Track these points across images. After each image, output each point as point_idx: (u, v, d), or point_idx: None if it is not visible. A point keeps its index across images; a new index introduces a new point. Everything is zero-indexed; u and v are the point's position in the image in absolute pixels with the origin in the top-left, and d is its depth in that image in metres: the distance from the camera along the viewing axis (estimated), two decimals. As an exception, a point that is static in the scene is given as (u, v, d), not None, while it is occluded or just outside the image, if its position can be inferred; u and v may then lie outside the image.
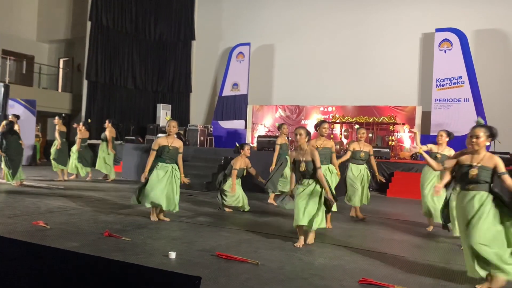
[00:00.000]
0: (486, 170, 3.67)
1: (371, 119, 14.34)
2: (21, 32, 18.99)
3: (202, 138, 14.95)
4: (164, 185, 5.91)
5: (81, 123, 11.60)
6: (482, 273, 3.62)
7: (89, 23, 16.64)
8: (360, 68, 15.54)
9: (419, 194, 9.28)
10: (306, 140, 5.01)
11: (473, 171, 3.65)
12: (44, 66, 19.22)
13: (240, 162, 7.54)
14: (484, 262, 3.60)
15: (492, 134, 3.81)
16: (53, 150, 10.64)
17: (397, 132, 14.11)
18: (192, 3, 18.62)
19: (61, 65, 20.22)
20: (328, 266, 4.22)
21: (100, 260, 1.79)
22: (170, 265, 4.01)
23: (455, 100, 13.49)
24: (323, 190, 4.97)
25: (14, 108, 14.63)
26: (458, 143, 13.15)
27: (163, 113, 17.77)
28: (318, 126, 6.36)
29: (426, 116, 13.91)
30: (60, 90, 19.37)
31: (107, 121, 11.70)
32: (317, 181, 4.98)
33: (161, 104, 18.00)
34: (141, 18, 18.28)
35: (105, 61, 17.07)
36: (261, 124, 16.48)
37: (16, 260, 2.00)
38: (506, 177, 3.68)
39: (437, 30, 13.96)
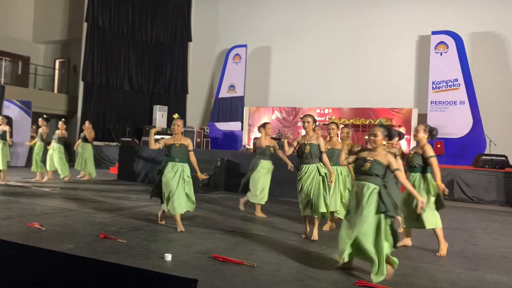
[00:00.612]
0: (379, 164, 4.03)
1: (368, 121, 14.37)
2: (16, 33, 18.92)
3: (198, 139, 14.93)
4: (181, 189, 5.79)
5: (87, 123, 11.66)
6: (346, 258, 4.02)
7: (85, 24, 16.61)
8: (357, 70, 15.58)
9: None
10: (313, 126, 5.61)
11: (367, 165, 4.05)
12: (40, 67, 19.15)
13: (265, 141, 7.19)
14: (357, 250, 3.96)
15: (389, 135, 4.20)
16: (40, 152, 10.66)
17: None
18: (188, 5, 18.62)
19: (57, 66, 20.16)
20: (325, 268, 4.21)
21: (95, 262, 1.78)
22: (166, 267, 3.99)
23: (451, 103, 13.53)
24: (324, 177, 5.44)
25: (10, 109, 14.57)
26: (455, 145, 13.24)
27: (159, 115, 17.74)
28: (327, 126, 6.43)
29: (422, 118, 13.94)
30: (56, 91, 19.31)
31: (87, 122, 11.60)
32: (317, 168, 5.46)
33: (158, 106, 17.98)
34: (137, 19, 18.27)
35: (101, 62, 17.04)
36: (258, 125, 16.46)
37: (10, 262, 1.98)
38: (399, 173, 4.15)
39: (433, 32, 14.01)
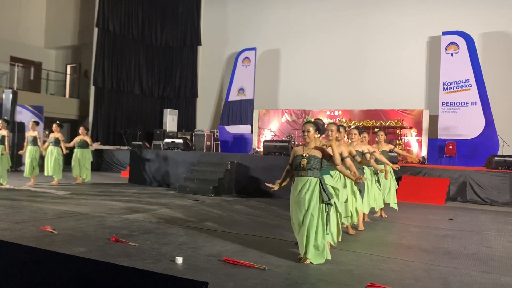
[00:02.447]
0: (315, 159, 4.35)
1: (378, 123, 14.28)
2: (29, 39, 19.18)
3: (208, 143, 14.97)
4: None
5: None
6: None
7: (96, 29, 16.77)
8: (367, 72, 15.51)
9: (428, 198, 9.21)
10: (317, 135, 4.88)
11: (304, 161, 4.32)
12: (51, 72, 19.39)
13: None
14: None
15: (318, 129, 4.46)
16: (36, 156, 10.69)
17: (404, 136, 14.06)
18: (198, 9, 18.72)
19: (68, 71, 20.38)
20: (336, 271, 4.18)
21: (107, 266, 1.78)
22: (177, 270, 4.00)
23: (463, 104, 13.41)
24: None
25: (22, 114, 14.75)
26: (467, 146, 13.11)
27: (170, 118, 17.84)
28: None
29: (433, 119, 13.84)
30: (67, 96, 19.52)
31: (54, 125, 11.52)
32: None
33: (168, 109, 18.07)
34: (147, 24, 18.40)
35: (112, 67, 17.19)
36: (268, 128, 16.47)
37: (24, 265, 2.00)
38: (335, 159, 4.37)
39: (444, 33, 13.91)
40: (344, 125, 7.13)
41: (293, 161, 4.55)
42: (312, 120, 4.92)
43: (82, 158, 11.26)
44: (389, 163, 7.23)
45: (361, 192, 6.15)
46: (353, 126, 7.24)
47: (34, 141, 10.67)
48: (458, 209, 9.27)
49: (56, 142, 10.97)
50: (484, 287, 3.86)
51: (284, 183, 4.77)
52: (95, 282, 1.72)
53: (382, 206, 7.24)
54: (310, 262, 4.32)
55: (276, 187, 4.72)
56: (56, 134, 11.10)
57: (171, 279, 1.66)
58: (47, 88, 18.92)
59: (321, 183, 4.40)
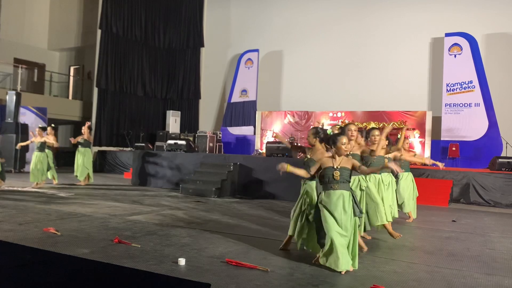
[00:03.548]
0: (347, 170, 4.23)
1: (381, 124, 14.26)
2: (32, 41, 19.25)
3: (211, 144, 14.98)
4: None
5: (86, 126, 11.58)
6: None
7: (99, 31, 16.83)
8: (370, 73, 15.50)
9: (432, 200, 9.17)
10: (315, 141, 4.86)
11: (337, 173, 4.18)
12: (55, 74, 19.46)
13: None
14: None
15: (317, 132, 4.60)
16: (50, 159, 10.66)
17: (407, 137, 14.00)
18: (201, 10, 18.74)
19: (71, 73, 20.45)
20: (339, 273, 4.17)
21: (110, 267, 1.78)
22: (180, 272, 4.00)
23: (466, 105, 13.38)
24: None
25: (26, 116, 14.81)
26: (470, 148, 13.07)
27: (173, 120, 17.87)
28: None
29: (437, 121, 13.81)
30: (70, 97, 19.58)
31: (86, 124, 11.53)
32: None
33: (171, 111, 18.10)
34: (150, 26, 18.45)
35: (115, 69, 17.23)
36: (270, 130, 16.47)
37: (27, 266, 2.00)
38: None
39: (447, 34, 13.89)
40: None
41: (324, 173, 4.27)
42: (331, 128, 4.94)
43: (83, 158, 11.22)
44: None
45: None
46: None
47: (42, 147, 10.57)
48: (462, 211, 9.24)
49: (42, 147, 10.66)
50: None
51: (292, 170, 4.56)
52: (98, 283, 1.72)
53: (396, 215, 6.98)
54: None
55: (286, 167, 4.59)
56: (85, 136, 11.22)
57: (174, 281, 1.66)
58: (50, 90, 18.99)
59: (353, 196, 4.24)
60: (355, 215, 4.23)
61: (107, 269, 1.75)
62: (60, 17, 19.82)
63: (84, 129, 11.46)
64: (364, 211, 5.17)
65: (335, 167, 4.20)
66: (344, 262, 4.06)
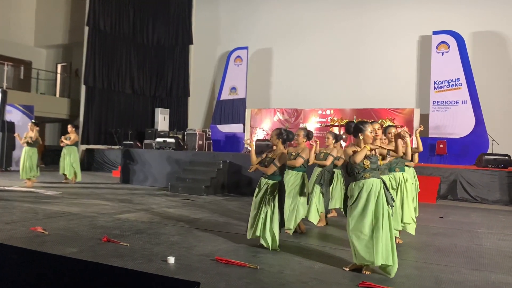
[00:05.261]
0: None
1: (370, 121, 14.33)
2: (18, 38, 18.99)
3: (200, 142, 14.93)
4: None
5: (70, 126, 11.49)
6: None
7: (86, 28, 16.66)
8: (358, 71, 15.57)
9: (419, 197, 9.23)
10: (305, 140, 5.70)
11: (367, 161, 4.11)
12: (41, 71, 19.22)
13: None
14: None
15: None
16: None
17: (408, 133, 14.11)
18: (189, 7, 18.65)
19: (58, 70, 20.22)
20: (328, 269, 4.20)
21: (98, 266, 1.77)
22: (169, 270, 3.99)
23: (453, 102, 13.51)
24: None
25: (12, 114, 14.62)
26: (457, 145, 13.20)
27: (161, 118, 17.77)
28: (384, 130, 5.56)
29: (424, 118, 13.92)
30: (58, 95, 19.37)
31: (69, 126, 11.42)
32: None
33: (159, 109, 18.00)
34: (138, 23, 18.31)
35: (103, 66, 17.08)
36: (260, 127, 16.48)
37: (14, 266, 1.98)
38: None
39: (434, 32, 14.00)
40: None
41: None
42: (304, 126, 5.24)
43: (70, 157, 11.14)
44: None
45: (324, 195, 6.29)
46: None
47: (32, 142, 10.40)
48: (449, 207, 9.35)
49: (32, 143, 10.55)
50: (474, 284, 3.90)
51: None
52: (86, 283, 1.71)
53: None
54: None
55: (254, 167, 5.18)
56: (71, 135, 11.11)
57: (162, 280, 1.65)
58: (37, 87, 18.77)
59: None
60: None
61: (95, 269, 1.74)
62: (46, 14, 19.58)
63: (69, 129, 11.39)
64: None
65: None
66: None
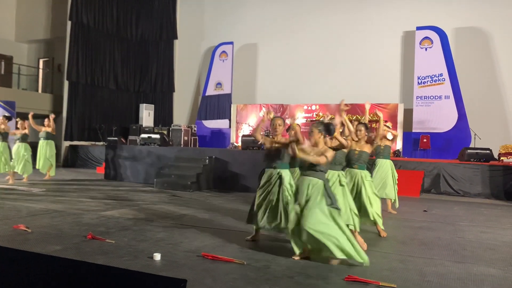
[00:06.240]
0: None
1: (354, 117, 14.43)
2: (-1, 32, 18.62)
3: (186, 138, 14.86)
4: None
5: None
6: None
7: (69, 23, 16.40)
8: (343, 67, 15.64)
9: (404, 191, 9.36)
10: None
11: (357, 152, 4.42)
12: (23, 66, 18.87)
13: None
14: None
15: (328, 129, 4.37)
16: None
17: (372, 130, 14.25)
18: (174, 2, 18.49)
19: (41, 66, 19.88)
20: (314, 264, 4.22)
21: (83, 265, 1.75)
22: (155, 267, 3.97)
23: (436, 97, 13.67)
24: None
25: (-7, 110, 14.35)
26: (440, 139, 13.38)
27: (146, 113, 17.63)
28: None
29: (408, 113, 14.07)
30: (40, 91, 19.05)
31: (49, 117, 11.29)
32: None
33: (144, 104, 17.86)
34: (122, 17, 18.09)
35: (86, 61, 16.85)
36: (246, 123, 16.46)
37: (-4, 266, 1.95)
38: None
39: (418, 28, 14.13)
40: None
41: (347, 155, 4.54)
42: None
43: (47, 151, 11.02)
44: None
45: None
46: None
47: (4, 137, 10.29)
48: (433, 200, 9.48)
49: (23, 138, 10.60)
50: (457, 276, 3.97)
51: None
52: (70, 282, 1.68)
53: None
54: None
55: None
56: (47, 128, 10.94)
57: (149, 278, 1.64)
58: (18, 83, 18.42)
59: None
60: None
61: (80, 267, 1.71)
62: (28, 8, 19.20)
63: (47, 122, 11.22)
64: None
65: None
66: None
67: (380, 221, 5.50)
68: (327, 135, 4.40)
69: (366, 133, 5.60)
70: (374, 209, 5.40)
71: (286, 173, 4.93)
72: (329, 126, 4.37)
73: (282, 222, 4.71)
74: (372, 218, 5.41)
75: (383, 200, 7.05)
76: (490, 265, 4.39)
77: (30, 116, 10.88)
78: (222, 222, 6.26)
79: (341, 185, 5.04)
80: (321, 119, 5.45)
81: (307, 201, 4.22)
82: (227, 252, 4.49)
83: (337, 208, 4.23)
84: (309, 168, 4.34)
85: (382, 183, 7.19)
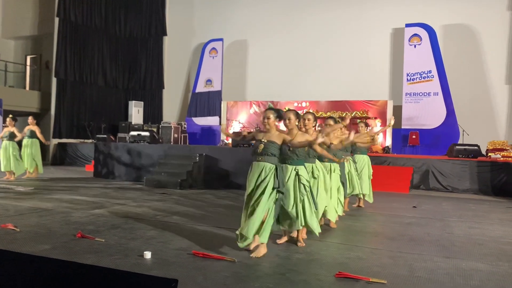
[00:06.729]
0: (274, 144, 4.39)
1: (344, 113, 14.50)
2: (-16, 29, 18.35)
3: (176, 135, 14.80)
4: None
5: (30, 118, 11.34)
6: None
7: (57, 19, 16.21)
8: (333, 64, 15.68)
9: (393, 187, 9.45)
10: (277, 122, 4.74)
11: (261, 146, 4.40)
12: (10, 63, 18.62)
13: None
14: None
15: (279, 116, 4.52)
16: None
17: (369, 126, 14.32)
18: (163, -2, 18.36)
19: (28, 63, 19.63)
20: (305, 261, 4.24)
21: (71, 265, 1.72)
22: (146, 265, 3.95)
23: (425, 94, 13.77)
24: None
25: (-21, 108, 14.16)
26: (429, 136, 13.49)
27: (135, 111, 17.51)
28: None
29: (397, 110, 14.16)
30: (27, 88, 18.82)
31: (30, 118, 11.30)
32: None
33: (133, 101, 17.74)
34: (110, 14, 17.93)
35: (75, 58, 16.69)
36: (236, 120, 16.44)
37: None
38: (295, 142, 4.46)
39: (407, 25, 14.20)
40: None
41: (254, 146, 4.56)
42: (271, 106, 5.12)
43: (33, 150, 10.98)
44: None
45: (344, 184, 6.17)
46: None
47: (12, 137, 10.65)
48: (422, 196, 9.56)
49: (11, 137, 10.69)
50: (446, 272, 4.00)
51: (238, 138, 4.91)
52: (58, 282, 1.66)
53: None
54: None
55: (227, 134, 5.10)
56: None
57: (140, 278, 1.62)
58: (5, 80, 18.18)
59: (277, 169, 4.38)
60: (273, 188, 4.35)
61: (68, 267, 1.69)
62: (15, 4, 18.93)
63: (31, 120, 11.22)
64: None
65: (262, 140, 4.46)
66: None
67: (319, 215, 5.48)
68: (279, 120, 4.57)
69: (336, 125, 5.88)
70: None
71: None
72: (279, 112, 4.58)
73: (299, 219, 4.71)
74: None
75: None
76: (478, 260, 4.44)
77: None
78: (213, 220, 6.24)
79: (313, 177, 5.09)
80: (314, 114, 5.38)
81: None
82: (218, 250, 4.48)
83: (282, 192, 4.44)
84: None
85: (358, 178, 7.27)
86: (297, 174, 4.66)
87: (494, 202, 9.09)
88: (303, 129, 5.10)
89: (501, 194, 9.90)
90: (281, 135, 4.51)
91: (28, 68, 19.48)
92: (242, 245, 4.33)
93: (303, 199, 4.64)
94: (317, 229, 4.74)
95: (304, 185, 4.64)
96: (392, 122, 7.86)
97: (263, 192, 4.31)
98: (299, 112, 5.06)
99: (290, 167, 4.67)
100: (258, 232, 4.30)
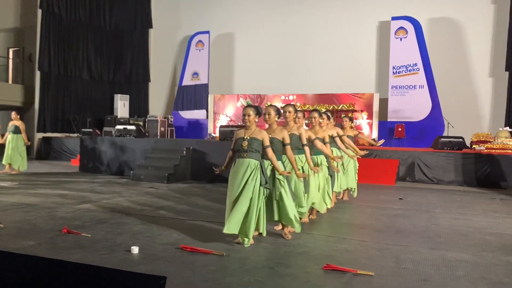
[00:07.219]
0: (257, 141, 4.46)
1: (331, 106, 14.55)
2: (-35, 21, 17.93)
3: (162, 129, 14.70)
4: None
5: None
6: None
7: (39, 11, 15.91)
8: (320, 57, 15.70)
9: (379, 179, 9.52)
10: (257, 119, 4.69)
11: (245, 143, 4.45)
12: (-9, 56, 18.26)
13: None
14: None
15: (258, 112, 4.58)
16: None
17: (356, 119, 14.41)
18: (148, -10, 18.13)
19: (10, 55, 19.25)
20: (293, 254, 4.25)
21: (56, 263, 1.69)
22: (133, 260, 3.92)
23: (411, 87, 13.88)
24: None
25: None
26: (415, 128, 13.61)
27: (121, 104, 17.34)
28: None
29: (384, 103, 14.26)
30: (10, 81, 18.47)
31: (13, 113, 11.16)
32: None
33: (119, 95, 17.55)
34: (95, 6, 17.66)
35: (59, 51, 16.42)
36: (223, 113, 16.39)
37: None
38: (269, 150, 4.53)
39: (393, 18, 14.27)
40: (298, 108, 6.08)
41: (235, 144, 4.60)
42: (250, 103, 5.17)
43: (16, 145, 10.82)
44: (356, 148, 7.19)
45: (332, 177, 6.17)
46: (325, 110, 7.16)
47: (17, 131, 10.77)
48: (408, 188, 9.66)
49: (16, 130, 10.76)
50: (432, 263, 4.06)
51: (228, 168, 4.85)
52: (43, 281, 1.63)
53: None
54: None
55: (220, 170, 4.90)
56: (15, 122, 10.81)
57: (127, 275, 1.60)
58: (-13, 74, 17.85)
59: (261, 166, 4.46)
60: (260, 184, 4.45)
61: (53, 265, 1.66)
62: (-5, -5, 18.52)
63: (14, 115, 11.07)
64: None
65: (245, 137, 4.52)
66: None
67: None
68: (259, 116, 4.62)
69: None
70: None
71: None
72: (258, 108, 4.64)
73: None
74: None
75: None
76: (463, 251, 4.51)
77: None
78: (200, 214, 6.23)
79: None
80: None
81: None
82: (206, 244, 4.47)
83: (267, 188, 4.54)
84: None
85: (344, 173, 7.28)
86: (273, 169, 4.68)
87: (478, 193, 9.23)
88: (291, 123, 5.21)
89: (485, 186, 10.06)
90: (262, 132, 4.57)
91: (10, 61, 19.11)
92: (247, 243, 4.47)
93: (280, 193, 4.66)
94: (297, 228, 4.76)
95: (279, 180, 4.67)
96: (381, 142, 8.19)
97: (249, 188, 4.39)
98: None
99: (266, 162, 4.67)
100: (243, 226, 4.41)
